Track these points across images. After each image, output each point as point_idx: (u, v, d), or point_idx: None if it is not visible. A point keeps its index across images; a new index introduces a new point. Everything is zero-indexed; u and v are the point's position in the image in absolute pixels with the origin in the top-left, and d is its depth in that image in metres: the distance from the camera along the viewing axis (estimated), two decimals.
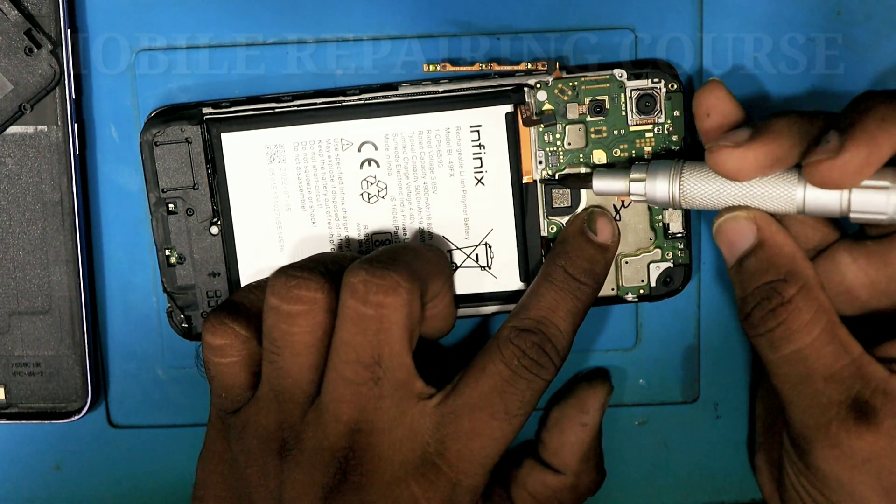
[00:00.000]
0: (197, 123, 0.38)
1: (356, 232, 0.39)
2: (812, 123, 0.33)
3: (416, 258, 0.35)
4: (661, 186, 0.35)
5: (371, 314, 0.33)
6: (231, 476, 0.36)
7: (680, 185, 0.35)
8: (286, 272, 0.35)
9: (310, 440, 0.34)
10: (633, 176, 0.36)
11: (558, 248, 0.37)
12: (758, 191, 0.34)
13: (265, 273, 0.39)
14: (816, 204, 0.33)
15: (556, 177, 0.38)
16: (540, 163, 0.38)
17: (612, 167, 0.37)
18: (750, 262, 0.34)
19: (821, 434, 0.32)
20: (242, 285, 0.39)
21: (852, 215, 0.33)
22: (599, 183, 0.36)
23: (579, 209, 0.38)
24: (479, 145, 0.38)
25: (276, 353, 0.35)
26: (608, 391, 0.40)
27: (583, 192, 0.38)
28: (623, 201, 0.38)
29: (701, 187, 0.34)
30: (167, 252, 0.39)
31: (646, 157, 0.38)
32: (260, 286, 0.37)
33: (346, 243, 0.39)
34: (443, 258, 0.37)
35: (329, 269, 0.35)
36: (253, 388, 0.36)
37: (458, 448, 0.34)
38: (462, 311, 0.39)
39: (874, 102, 0.31)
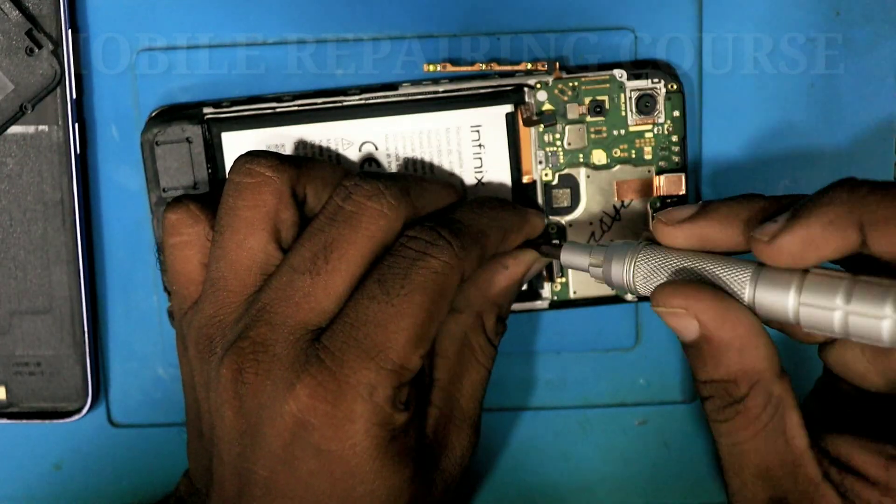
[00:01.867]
0: (198, 123, 0.38)
1: None
2: (773, 203, 0.31)
3: (421, 187, 0.35)
4: (615, 272, 0.33)
5: (348, 209, 0.33)
6: (192, 397, 0.35)
7: (633, 271, 0.32)
8: (251, 151, 0.34)
9: (231, 333, 0.33)
10: (591, 261, 0.34)
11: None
12: (710, 277, 0.31)
13: None
14: (765, 304, 0.30)
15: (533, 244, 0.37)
16: (540, 163, 0.38)
17: (583, 244, 0.35)
18: (696, 353, 0.31)
19: None
20: None
21: (803, 327, 0.30)
22: (566, 257, 0.35)
23: (579, 209, 0.38)
24: (480, 145, 0.38)
25: (219, 231, 0.34)
26: (549, 254, 0.37)
27: (582, 191, 0.38)
28: (623, 201, 0.38)
29: (655, 277, 0.32)
30: None
31: (645, 158, 0.38)
32: None
33: None
34: (451, 188, 0.36)
35: (296, 162, 0.34)
36: (203, 284, 0.35)
37: (343, 339, 0.32)
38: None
39: (839, 193, 0.29)
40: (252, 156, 0.34)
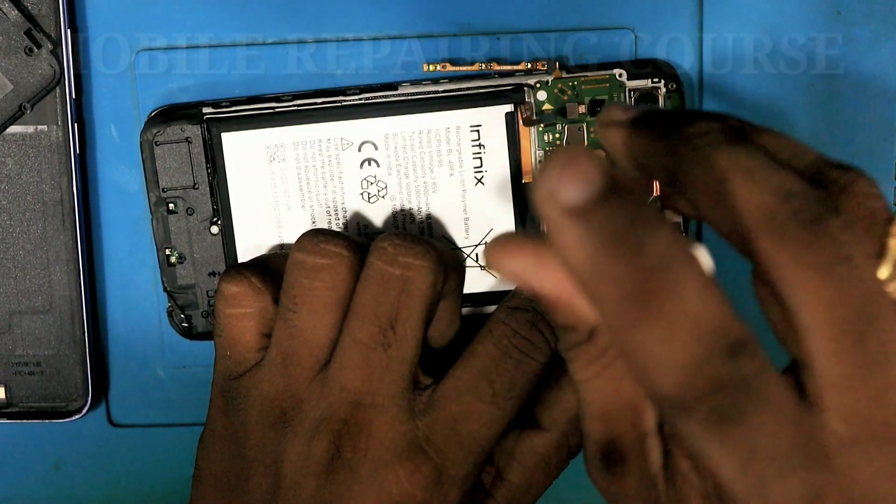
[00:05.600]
0: (197, 123, 0.38)
1: (356, 232, 0.39)
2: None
3: (441, 247, 0.36)
4: None
5: (397, 274, 0.33)
6: (229, 452, 0.35)
7: None
8: (314, 230, 0.35)
9: (311, 410, 0.34)
10: None
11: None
12: None
13: None
14: None
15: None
16: (540, 162, 0.38)
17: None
18: (539, 302, 0.30)
19: (585, 463, 0.31)
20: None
21: None
22: None
23: None
24: (479, 145, 0.38)
25: (292, 309, 0.34)
26: None
27: None
28: None
29: None
30: (167, 251, 0.39)
31: None
32: (284, 254, 0.37)
33: None
34: (461, 259, 0.38)
35: (356, 240, 0.35)
36: (260, 351, 0.35)
37: (446, 433, 0.34)
38: (462, 312, 0.39)
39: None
40: (323, 235, 0.35)
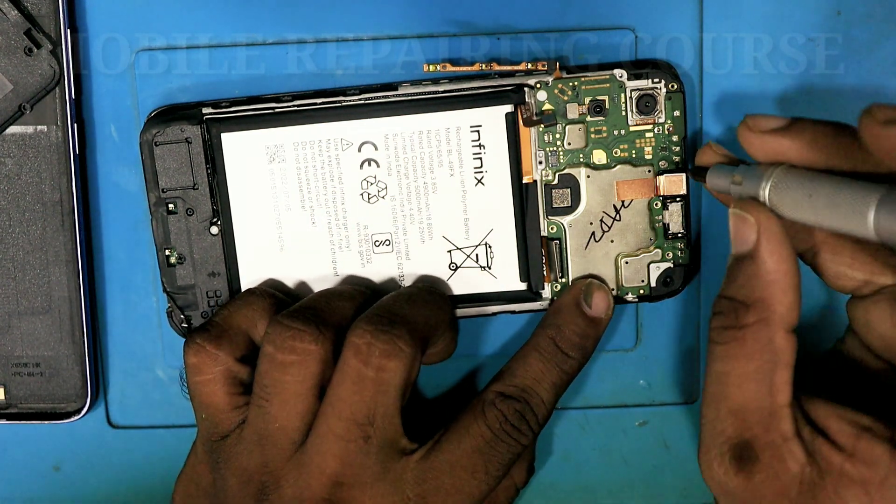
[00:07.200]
0: (197, 123, 0.38)
1: (356, 232, 0.39)
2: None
3: (420, 312, 0.36)
4: (751, 187, 0.33)
5: (371, 376, 0.34)
6: (203, 501, 0.37)
7: (768, 189, 0.33)
8: (283, 322, 0.35)
9: (289, 487, 0.35)
10: (733, 179, 0.34)
11: (551, 318, 0.38)
12: (830, 210, 0.31)
13: (265, 274, 0.39)
14: (888, 227, 0.29)
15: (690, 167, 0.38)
16: (540, 163, 0.38)
17: (727, 166, 0.35)
18: (736, 267, 0.32)
19: (702, 456, 0.33)
20: (233, 297, 0.39)
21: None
22: (711, 179, 0.35)
23: (580, 209, 0.38)
24: (479, 145, 0.38)
25: (265, 398, 0.35)
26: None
27: (583, 193, 0.38)
28: (623, 201, 0.38)
29: (789, 194, 0.32)
30: (167, 252, 0.39)
31: (646, 158, 0.38)
32: (246, 304, 0.37)
33: (346, 243, 0.39)
34: (444, 303, 0.38)
35: (326, 320, 0.36)
36: (236, 410, 0.36)
37: (438, 503, 0.35)
38: (462, 312, 0.39)
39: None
40: (291, 329, 0.35)
